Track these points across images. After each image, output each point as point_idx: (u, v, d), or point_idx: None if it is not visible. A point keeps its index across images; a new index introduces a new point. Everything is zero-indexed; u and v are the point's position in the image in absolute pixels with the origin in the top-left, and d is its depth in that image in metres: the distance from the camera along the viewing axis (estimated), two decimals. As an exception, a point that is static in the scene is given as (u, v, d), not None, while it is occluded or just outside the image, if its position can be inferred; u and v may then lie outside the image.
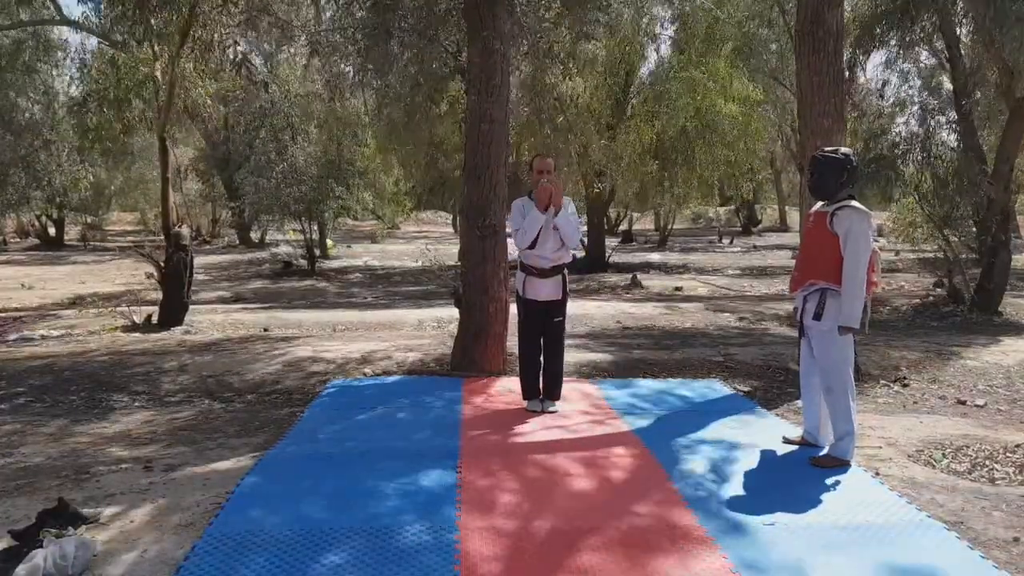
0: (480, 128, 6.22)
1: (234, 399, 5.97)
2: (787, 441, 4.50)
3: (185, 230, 10.06)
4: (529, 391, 5.32)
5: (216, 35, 9.26)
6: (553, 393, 5.31)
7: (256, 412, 5.53)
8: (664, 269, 20.06)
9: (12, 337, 9.09)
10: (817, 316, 4.09)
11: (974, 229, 10.73)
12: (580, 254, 20.12)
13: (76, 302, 13.15)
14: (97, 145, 11.70)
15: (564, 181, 17.35)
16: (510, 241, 5.59)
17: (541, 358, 5.26)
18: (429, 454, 4.26)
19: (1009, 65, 9.77)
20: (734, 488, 3.78)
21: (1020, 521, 3.40)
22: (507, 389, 5.84)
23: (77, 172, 20.71)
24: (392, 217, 28.37)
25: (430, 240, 29.75)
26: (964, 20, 10.92)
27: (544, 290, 5.13)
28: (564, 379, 5.41)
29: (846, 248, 3.95)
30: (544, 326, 5.21)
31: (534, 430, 4.81)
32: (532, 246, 5.03)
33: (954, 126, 11.36)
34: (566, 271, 5.20)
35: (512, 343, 6.28)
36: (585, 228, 20.87)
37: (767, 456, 4.28)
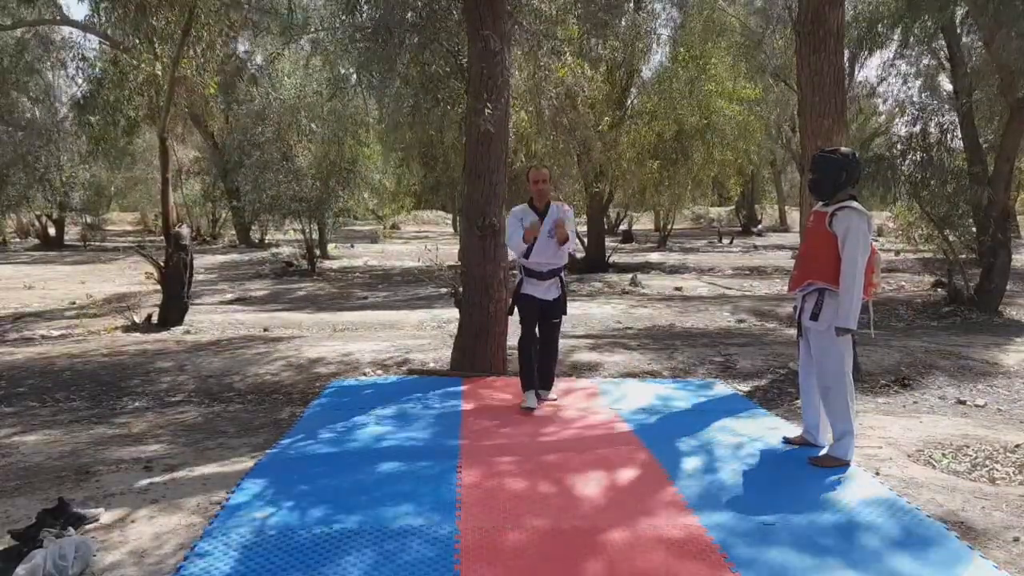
0: (480, 128, 6.22)
1: (234, 399, 5.97)
2: (787, 441, 4.50)
3: (185, 230, 10.06)
4: (530, 382, 5.38)
5: (216, 35, 9.25)
6: (546, 384, 5.53)
7: (256, 412, 5.53)
8: (664, 269, 20.04)
9: (12, 337, 9.10)
10: (815, 316, 4.08)
11: (974, 229, 10.73)
12: (580, 254, 20.11)
13: (76, 303, 13.15)
14: (101, 146, 11.67)
15: (565, 185, 17.36)
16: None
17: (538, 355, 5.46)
18: (429, 454, 4.26)
19: (1009, 65, 9.76)
20: (734, 488, 3.78)
21: (1020, 521, 3.40)
22: (507, 389, 5.84)
23: (77, 171, 20.69)
24: (392, 217, 28.37)
25: (431, 240, 29.74)
26: (965, 20, 10.93)
27: (541, 290, 5.35)
28: (565, 379, 5.48)
29: (844, 249, 3.94)
30: (541, 323, 5.43)
31: (534, 430, 4.81)
32: (528, 255, 5.26)
33: (954, 126, 11.36)
34: (563, 274, 5.46)
35: (511, 344, 6.29)
36: (585, 228, 20.86)
37: (767, 456, 4.28)
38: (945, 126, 11.32)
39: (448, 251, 22.49)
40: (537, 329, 5.44)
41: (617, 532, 3.23)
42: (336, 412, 5.26)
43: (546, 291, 5.34)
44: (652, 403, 5.50)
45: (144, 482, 3.86)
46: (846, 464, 4.05)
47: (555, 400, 5.51)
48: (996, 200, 10.14)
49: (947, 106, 11.64)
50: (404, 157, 19.88)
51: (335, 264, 21.68)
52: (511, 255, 6.01)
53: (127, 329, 9.47)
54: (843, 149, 4.28)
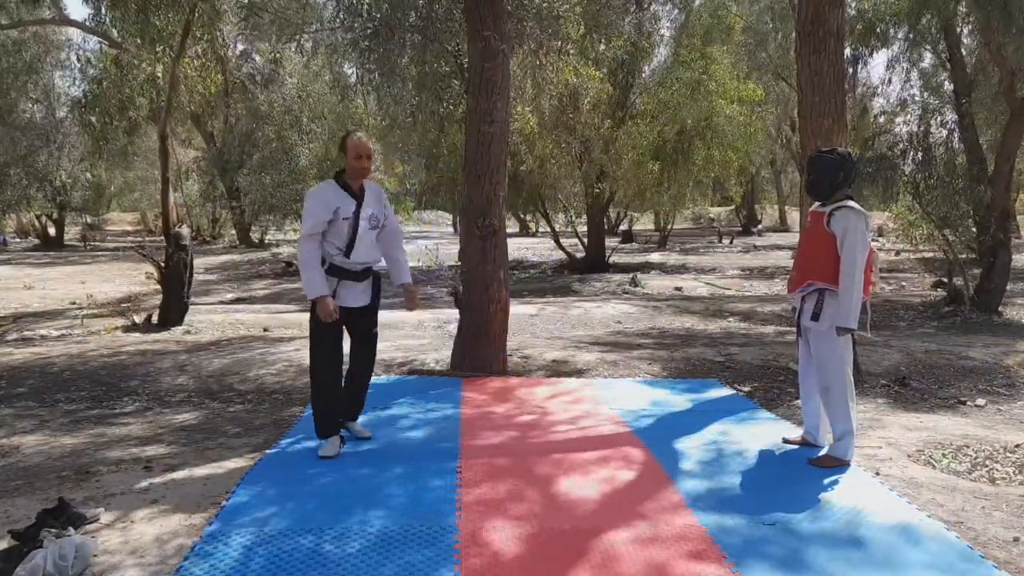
0: (480, 128, 6.22)
1: (234, 399, 5.97)
2: (787, 441, 4.50)
3: (185, 230, 10.06)
4: (332, 427, 4.26)
5: (217, 35, 9.25)
6: (355, 413, 4.56)
7: (256, 412, 5.53)
8: (664, 269, 20.05)
9: (12, 337, 9.10)
10: (815, 317, 4.08)
11: (974, 229, 10.73)
12: (580, 254, 20.07)
13: (76, 303, 13.15)
14: (102, 144, 11.66)
15: (566, 185, 17.33)
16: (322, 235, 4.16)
17: (348, 378, 4.46)
18: (429, 454, 4.26)
19: (1011, 65, 9.77)
20: (734, 488, 3.78)
21: (1020, 521, 3.40)
22: (507, 390, 5.84)
23: (77, 171, 20.68)
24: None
25: (431, 240, 29.74)
26: (967, 20, 10.94)
27: (354, 294, 4.27)
28: (564, 378, 5.37)
29: (843, 248, 3.94)
30: (353, 336, 4.41)
31: (534, 430, 4.81)
32: (349, 252, 4.15)
33: (954, 126, 11.37)
34: (379, 274, 4.40)
35: (512, 344, 6.28)
36: (585, 228, 20.87)
37: (767, 456, 4.28)
38: (949, 126, 11.33)
39: (448, 251, 22.50)
40: (349, 346, 4.33)
41: (617, 532, 3.23)
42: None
43: (359, 295, 4.26)
44: (652, 403, 5.50)
45: (144, 482, 3.86)
46: (846, 464, 4.05)
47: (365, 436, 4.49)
48: (996, 200, 10.15)
49: (948, 106, 11.66)
50: (405, 158, 19.89)
51: (335, 264, 21.65)
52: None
53: (127, 329, 9.47)
54: (839, 149, 4.28)
